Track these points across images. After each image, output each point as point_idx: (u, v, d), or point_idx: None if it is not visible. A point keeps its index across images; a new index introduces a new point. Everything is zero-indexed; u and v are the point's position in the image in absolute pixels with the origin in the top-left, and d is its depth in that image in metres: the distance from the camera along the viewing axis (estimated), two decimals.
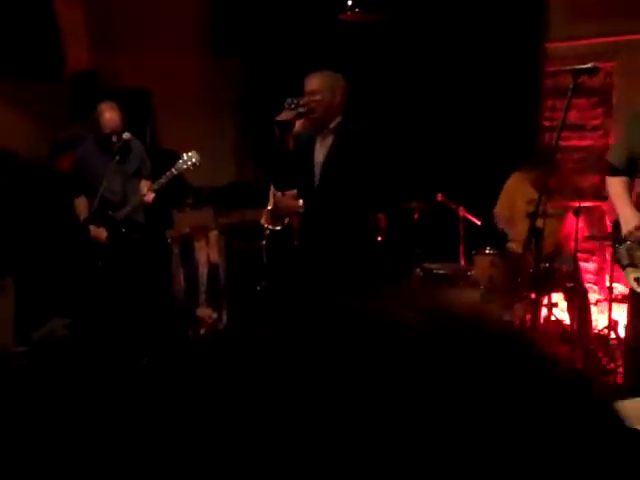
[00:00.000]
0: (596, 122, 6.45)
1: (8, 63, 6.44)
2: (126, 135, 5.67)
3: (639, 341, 3.79)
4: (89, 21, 6.95)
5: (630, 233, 3.64)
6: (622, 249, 3.75)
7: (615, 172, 3.87)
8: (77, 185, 5.87)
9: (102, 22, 7.02)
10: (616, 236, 3.82)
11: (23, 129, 6.81)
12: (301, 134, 4.71)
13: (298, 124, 5.86)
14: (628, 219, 3.68)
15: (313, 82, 4.39)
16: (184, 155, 5.67)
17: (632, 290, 3.75)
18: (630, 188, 3.80)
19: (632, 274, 3.68)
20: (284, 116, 4.37)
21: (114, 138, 5.65)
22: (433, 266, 5.99)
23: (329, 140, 4.44)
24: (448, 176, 6.60)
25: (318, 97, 4.35)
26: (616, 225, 3.84)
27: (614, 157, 3.90)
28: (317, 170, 4.44)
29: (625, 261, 3.73)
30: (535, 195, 5.68)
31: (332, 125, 4.44)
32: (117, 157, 5.68)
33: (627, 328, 4.01)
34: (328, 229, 4.37)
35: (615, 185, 3.84)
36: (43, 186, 6.56)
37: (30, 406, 5.03)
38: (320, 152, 4.46)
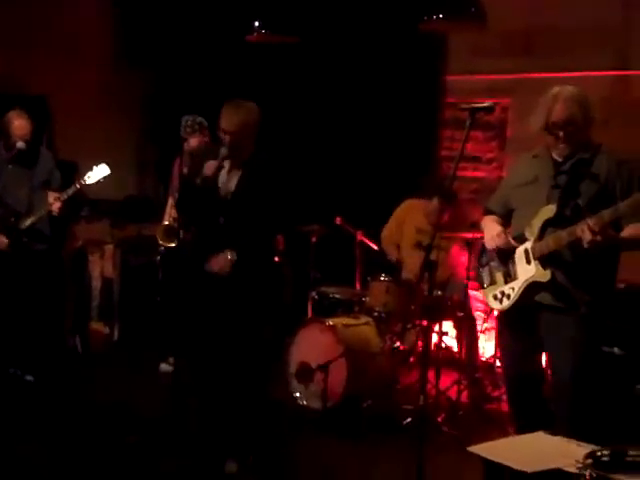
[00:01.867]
0: (491, 155, 6.68)
1: None
2: (20, 144, 5.55)
3: (508, 359, 3.95)
4: None
5: (491, 239, 3.83)
6: (484, 271, 3.95)
7: (488, 213, 4.08)
8: None
9: (4, 26, 6.83)
10: (480, 261, 4.01)
11: None
12: (199, 154, 4.74)
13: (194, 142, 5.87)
14: (491, 229, 3.88)
15: (232, 124, 4.40)
16: (93, 167, 5.59)
17: (498, 315, 3.94)
18: (501, 224, 3.97)
19: (490, 292, 3.87)
20: (210, 169, 4.41)
21: (19, 144, 5.54)
22: (329, 290, 6.06)
23: (237, 171, 4.46)
24: (347, 200, 6.71)
25: (235, 137, 4.39)
26: (481, 251, 4.03)
27: (490, 202, 4.11)
28: (224, 196, 4.46)
29: (486, 281, 3.92)
30: (424, 225, 5.90)
31: (244, 155, 4.48)
32: (18, 165, 5.58)
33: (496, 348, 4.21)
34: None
35: (486, 219, 4.06)
36: None
37: None
38: (229, 181, 4.47)
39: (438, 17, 5.49)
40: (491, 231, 3.88)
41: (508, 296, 3.75)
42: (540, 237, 3.63)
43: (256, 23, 6.29)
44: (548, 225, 3.62)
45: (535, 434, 3.11)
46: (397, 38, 6.75)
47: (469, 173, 6.70)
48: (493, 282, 3.87)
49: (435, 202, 5.92)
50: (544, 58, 6.34)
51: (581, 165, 3.62)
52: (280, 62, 7.19)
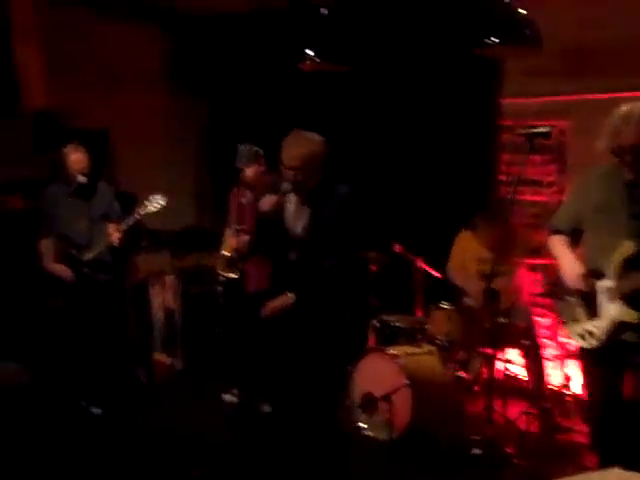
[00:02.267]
0: (550, 178, 6.60)
1: None
2: (81, 178, 5.65)
3: (596, 396, 3.84)
4: (49, 60, 6.89)
5: (574, 280, 3.73)
6: (564, 305, 3.85)
7: (556, 232, 3.96)
8: (43, 226, 5.80)
9: (63, 61, 6.97)
10: (557, 293, 3.92)
11: None
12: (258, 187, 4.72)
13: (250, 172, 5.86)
14: (571, 266, 3.77)
15: (294, 159, 4.25)
16: (150, 197, 5.66)
17: (580, 349, 3.83)
18: (569, 244, 3.89)
19: (574, 329, 3.77)
20: (267, 205, 4.36)
21: (79, 179, 5.64)
22: (390, 318, 6.03)
23: (306, 208, 4.38)
24: (406, 228, 6.67)
25: (300, 173, 4.27)
26: (556, 282, 3.93)
27: (557, 219, 4.00)
28: (294, 238, 4.39)
29: (567, 317, 3.82)
30: (485, 254, 5.82)
31: (311, 188, 4.36)
32: (78, 199, 5.69)
33: (583, 387, 4.09)
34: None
35: (556, 242, 3.95)
36: None
37: None
38: (297, 217, 4.41)
39: (493, 41, 5.45)
40: (572, 269, 3.77)
41: (593, 334, 3.66)
42: (621, 275, 3.55)
43: (309, 52, 6.31)
44: (629, 263, 3.53)
45: (611, 470, 3.04)
46: (452, 62, 6.72)
47: (528, 197, 6.62)
48: (575, 318, 3.77)
49: (482, 225, 5.86)
50: (602, 78, 6.24)
51: None
52: (335, 89, 7.22)
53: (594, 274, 3.68)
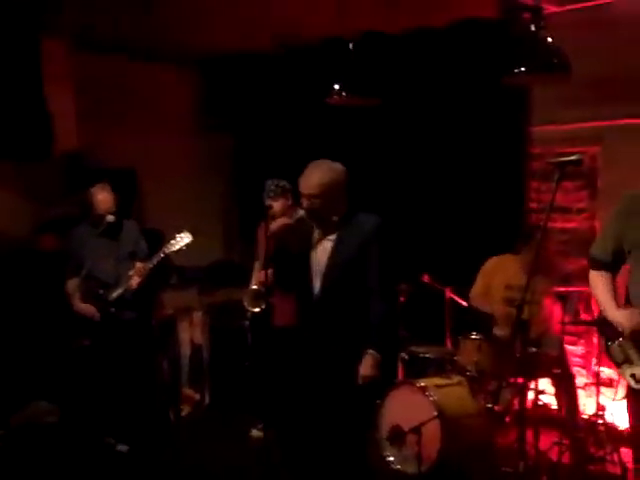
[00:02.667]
0: (581, 205, 6.48)
1: None
2: (110, 217, 5.69)
3: None
4: (78, 102, 7.01)
5: (633, 327, 3.61)
6: (615, 347, 3.74)
7: (596, 265, 3.86)
8: (70, 266, 5.84)
9: (90, 102, 7.09)
10: (606, 333, 3.79)
11: (10, 208, 6.81)
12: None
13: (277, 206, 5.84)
14: (625, 318, 3.65)
15: (312, 186, 4.15)
16: (176, 235, 5.67)
17: (630, 387, 3.70)
18: (611, 282, 3.80)
19: (628, 370, 3.65)
20: (277, 227, 4.30)
21: (108, 219, 5.68)
22: (419, 349, 5.93)
23: (330, 240, 4.25)
24: (434, 257, 6.60)
25: (317, 202, 4.17)
26: (604, 321, 3.81)
27: (596, 248, 3.89)
28: (318, 271, 4.25)
29: (620, 359, 3.71)
30: (513, 280, 5.70)
31: (334, 219, 4.26)
32: (105, 238, 5.72)
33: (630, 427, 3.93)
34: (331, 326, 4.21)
35: (597, 281, 3.84)
36: (25, 265, 6.53)
37: None
38: (322, 252, 4.27)
39: (521, 70, 5.40)
40: (632, 318, 3.65)
41: None
42: None
43: (336, 86, 6.32)
44: None
45: None
46: (479, 92, 6.68)
47: (559, 224, 6.51)
48: (628, 360, 3.67)
49: (525, 253, 5.74)
50: (632, 104, 6.16)
51: None
52: (363, 123, 7.21)
53: None
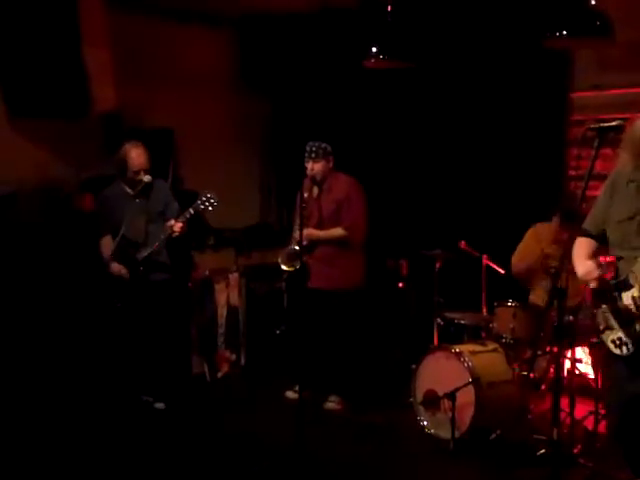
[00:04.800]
0: None
1: (36, 102, 6.50)
2: (147, 177, 5.68)
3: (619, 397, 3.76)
4: (115, 62, 7.01)
5: (586, 277, 3.73)
6: (598, 314, 3.80)
7: (584, 234, 3.91)
8: (103, 225, 5.86)
9: (129, 63, 7.08)
10: (594, 302, 3.84)
11: (51, 167, 6.86)
12: None
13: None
14: (582, 265, 3.77)
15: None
16: (202, 196, 5.64)
17: (610, 353, 3.76)
18: (590, 246, 3.86)
19: (610, 336, 3.71)
20: None
21: (145, 178, 5.67)
22: (454, 315, 5.92)
23: None
24: (471, 224, 6.57)
25: None
26: (594, 291, 3.86)
27: (588, 223, 3.93)
28: None
29: (602, 325, 3.77)
30: (553, 250, 5.68)
31: None
32: (140, 198, 5.70)
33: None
34: None
35: (576, 244, 3.90)
36: (63, 224, 6.58)
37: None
38: None
39: (562, 34, 5.30)
40: (583, 267, 3.76)
41: (626, 343, 3.64)
42: None
43: (373, 49, 6.26)
44: None
45: None
46: (520, 56, 6.58)
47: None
48: (609, 327, 3.73)
49: (556, 221, 5.74)
50: None
51: None
52: (401, 87, 7.15)
53: (623, 285, 3.62)
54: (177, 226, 5.60)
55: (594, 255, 3.85)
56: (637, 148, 3.45)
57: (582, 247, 3.88)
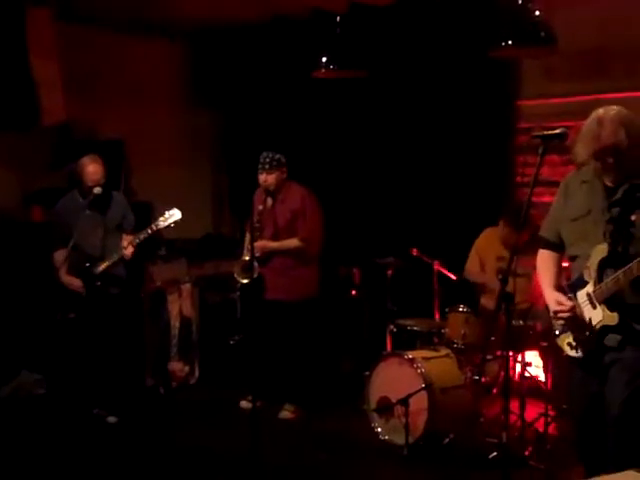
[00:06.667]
0: None
1: None
2: (97, 189, 5.64)
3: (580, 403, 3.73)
4: (65, 74, 6.95)
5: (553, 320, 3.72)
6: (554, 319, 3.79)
7: (544, 244, 3.90)
8: (56, 237, 5.80)
9: (78, 74, 7.03)
10: (548, 307, 3.83)
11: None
12: None
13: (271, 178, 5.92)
14: (549, 305, 3.74)
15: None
16: (165, 212, 5.64)
17: (567, 356, 3.73)
18: (554, 261, 3.84)
19: (565, 340, 3.70)
20: None
21: (95, 190, 5.63)
22: (407, 322, 5.97)
23: None
24: (423, 231, 6.62)
25: None
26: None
27: (544, 230, 3.92)
28: None
29: (558, 330, 3.74)
30: (505, 252, 5.77)
31: None
32: (93, 210, 5.67)
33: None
34: None
35: (540, 259, 3.91)
36: (12, 237, 6.50)
37: None
38: None
39: (507, 43, 5.39)
40: (550, 295, 3.74)
41: (581, 344, 3.61)
42: (599, 279, 3.49)
43: (323, 59, 6.30)
44: (604, 265, 3.48)
45: (626, 473, 2.96)
46: (468, 65, 6.67)
47: (546, 199, 6.52)
48: (564, 330, 3.70)
49: (502, 226, 5.84)
50: (620, 78, 6.18)
51: (635, 192, 3.45)
52: (350, 96, 7.20)
53: (579, 283, 3.62)
54: (128, 251, 5.65)
55: (559, 272, 3.83)
56: (590, 138, 3.46)
57: (546, 265, 3.86)
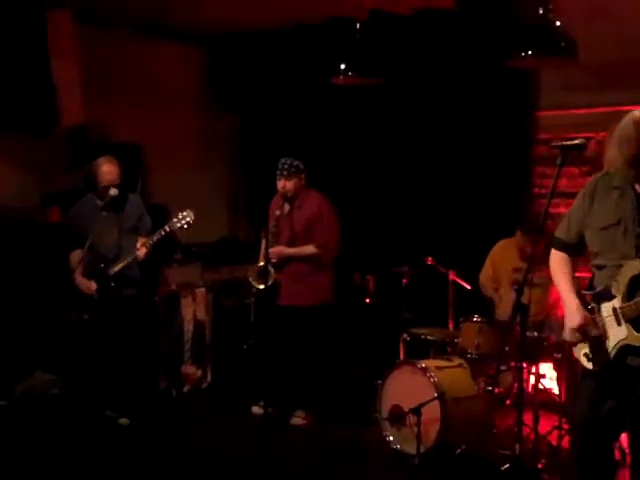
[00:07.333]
0: None
1: (3, 116, 6.45)
2: (113, 191, 5.66)
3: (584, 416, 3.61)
4: (83, 76, 6.98)
5: (571, 331, 3.52)
6: None
7: (558, 245, 3.71)
8: (72, 239, 5.82)
9: (97, 77, 7.06)
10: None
11: (15, 181, 6.81)
12: None
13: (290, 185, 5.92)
14: (571, 314, 3.53)
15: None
16: (179, 214, 5.65)
17: (583, 367, 3.58)
18: (567, 264, 3.66)
19: (581, 350, 3.56)
20: None
21: (112, 191, 5.65)
22: (421, 331, 5.95)
23: None
24: (439, 241, 6.61)
25: None
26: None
27: (561, 231, 3.72)
28: None
29: (573, 338, 3.57)
30: (520, 263, 5.74)
31: None
32: (109, 211, 5.69)
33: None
34: None
35: (554, 262, 3.72)
36: (29, 238, 6.53)
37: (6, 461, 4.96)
38: None
39: (527, 53, 5.37)
40: (570, 319, 3.53)
41: (600, 357, 3.47)
42: (628, 296, 3.35)
43: (342, 65, 6.30)
44: (636, 282, 3.33)
45: None
46: (486, 75, 6.66)
47: (563, 209, 6.50)
48: (582, 340, 3.54)
49: (519, 236, 5.82)
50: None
51: None
52: (369, 103, 7.20)
53: (604, 294, 3.47)
54: (141, 252, 5.66)
55: (574, 275, 3.66)
56: (626, 142, 3.34)
57: (563, 269, 3.67)
